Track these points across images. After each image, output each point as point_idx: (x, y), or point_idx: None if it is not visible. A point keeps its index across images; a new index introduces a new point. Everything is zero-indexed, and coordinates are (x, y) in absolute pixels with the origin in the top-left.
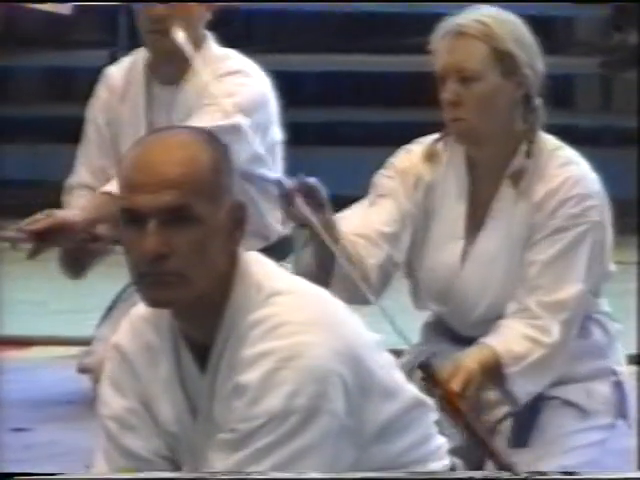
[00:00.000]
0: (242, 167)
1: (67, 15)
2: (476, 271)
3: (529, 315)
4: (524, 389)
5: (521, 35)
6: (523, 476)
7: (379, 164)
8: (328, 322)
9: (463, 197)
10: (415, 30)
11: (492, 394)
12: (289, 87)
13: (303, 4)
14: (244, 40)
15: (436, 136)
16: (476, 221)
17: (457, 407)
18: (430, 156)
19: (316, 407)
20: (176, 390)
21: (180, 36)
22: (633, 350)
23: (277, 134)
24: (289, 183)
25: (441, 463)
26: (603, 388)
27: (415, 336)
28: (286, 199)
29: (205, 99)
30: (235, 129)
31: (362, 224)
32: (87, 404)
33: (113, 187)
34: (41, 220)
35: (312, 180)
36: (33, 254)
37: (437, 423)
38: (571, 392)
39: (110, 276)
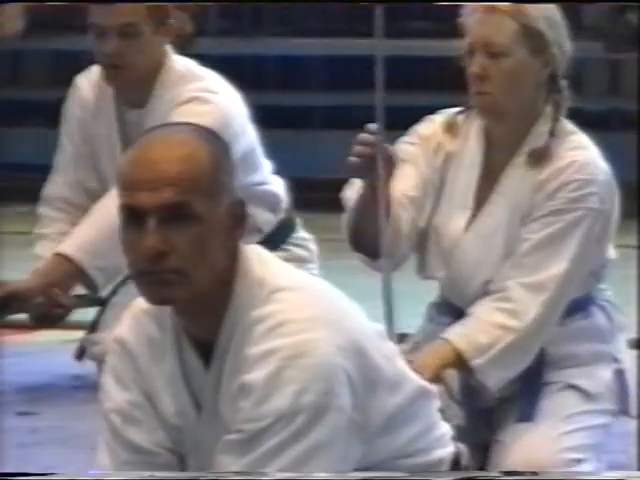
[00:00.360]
0: None
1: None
2: (475, 243)
3: (503, 297)
4: (495, 377)
5: (551, 14)
6: (497, 476)
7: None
8: (331, 317)
9: (476, 169)
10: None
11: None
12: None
13: None
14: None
15: (459, 109)
16: (485, 194)
17: None
18: (450, 127)
19: (324, 404)
20: (179, 384)
21: None
22: (634, 335)
23: (249, 142)
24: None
25: (446, 450)
26: (605, 373)
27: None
28: (362, 151)
29: None
30: None
31: None
32: (92, 388)
33: (68, 247)
34: None
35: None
36: None
37: (440, 410)
38: (574, 376)
39: None
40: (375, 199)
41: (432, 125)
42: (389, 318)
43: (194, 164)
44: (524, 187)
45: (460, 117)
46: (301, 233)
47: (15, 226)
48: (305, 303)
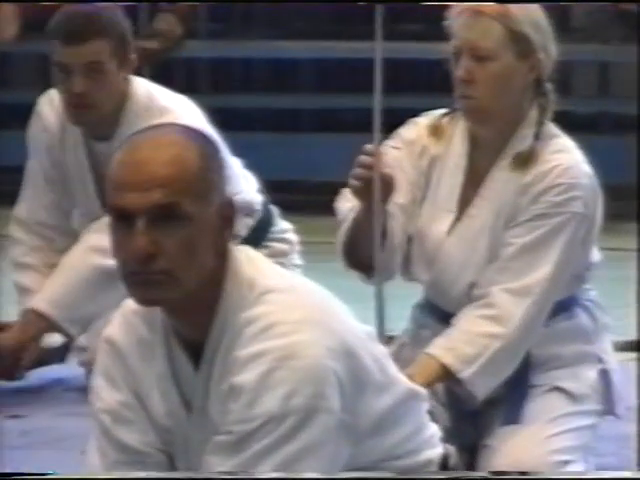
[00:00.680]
0: None
1: None
2: (459, 246)
3: (485, 304)
4: (484, 386)
5: (537, 18)
6: (484, 476)
7: None
8: (321, 319)
9: (460, 172)
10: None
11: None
12: (286, 74)
13: None
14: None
15: (443, 111)
16: (469, 197)
17: None
18: (435, 130)
19: (313, 407)
20: (169, 385)
21: None
22: (634, 337)
23: (231, 169)
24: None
25: (435, 451)
26: (590, 374)
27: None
28: (361, 174)
29: None
30: None
31: None
32: (82, 390)
33: (41, 303)
34: None
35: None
36: None
37: (429, 412)
38: (559, 378)
39: None
40: (371, 222)
41: (416, 128)
42: (380, 321)
43: (183, 165)
44: (508, 190)
45: (445, 119)
46: (280, 225)
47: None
48: (295, 305)
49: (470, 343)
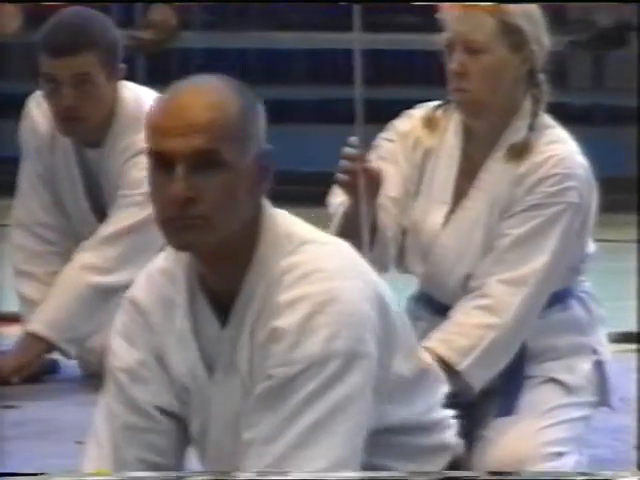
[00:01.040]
0: None
1: None
2: (454, 238)
3: (480, 294)
4: (480, 377)
5: (530, 10)
6: (481, 476)
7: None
8: (359, 270)
9: (454, 163)
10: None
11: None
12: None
13: None
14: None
15: (437, 103)
16: (463, 189)
17: None
18: (429, 122)
19: (354, 351)
20: (190, 343)
21: None
22: (634, 328)
23: None
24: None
25: (447, 436)
26: (585, 365)
27: None
28: (347, 167)
29: (120, 187)
30: (153, 218)
31: None
32: (76, 381)
33: (38, 325)
34: None
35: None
36: None
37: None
38: (553, 369)
39: None
40: (359, 216)
41: (410, 120)
42: None
43: (224, 112)
44: (503, 181)
45: (439, 111)
46: None
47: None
48: (334, 255)
49: (465, 335)
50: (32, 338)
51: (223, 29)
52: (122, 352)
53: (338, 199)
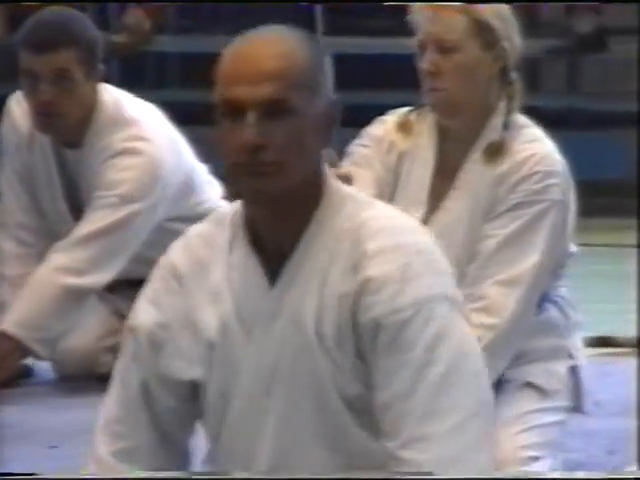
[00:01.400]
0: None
1: None
2: (435, 238)
3: (476, 297)
4: None
5: (500, 8)
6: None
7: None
8: (423, 230)
9: (430, 165)
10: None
11: None
12: None
13: None
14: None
15: (411, 107)
16: (441, 190)
17: None
18: (403, 126)
19: (453, 296)
20: (226, 298)
21: None
22: (634, 333)
23: (185, 173)
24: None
25: None
26: (561, 369)
27: None
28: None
29: (97, 188)
30: (126, 220)
31: None
32: (52, 384)
33: (8, 324)
34: None
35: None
36: None
37: None
38: (530, 373)
39: None
40: None
41: (384, 125)
42: None
43: (294, 60)
44: (484, 182)
45: (412, 116)
46: None
47: None
48: (401, 214)
49: None
50: (2, 337)
51: (197, 33)
52: (143, 314)
53: None
